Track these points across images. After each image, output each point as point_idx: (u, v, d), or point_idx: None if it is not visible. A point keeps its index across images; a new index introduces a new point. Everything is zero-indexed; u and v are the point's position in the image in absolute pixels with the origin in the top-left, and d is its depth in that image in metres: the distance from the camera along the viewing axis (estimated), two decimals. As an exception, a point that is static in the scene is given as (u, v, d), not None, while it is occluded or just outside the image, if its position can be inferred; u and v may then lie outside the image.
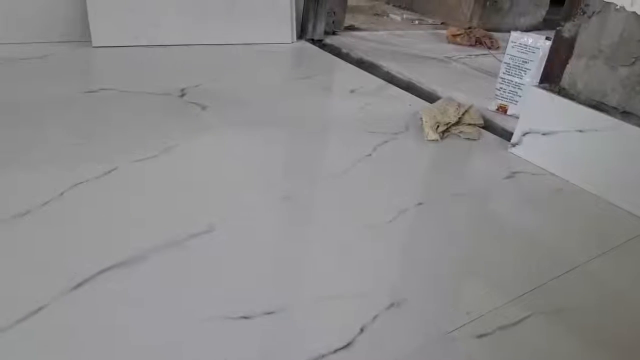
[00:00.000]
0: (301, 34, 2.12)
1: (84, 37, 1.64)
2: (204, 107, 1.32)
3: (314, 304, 0.73)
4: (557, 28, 1.26)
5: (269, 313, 0.70)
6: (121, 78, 1.44)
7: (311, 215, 0.96)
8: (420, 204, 1.04)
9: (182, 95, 1.37)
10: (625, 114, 1.14)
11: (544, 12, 3.14)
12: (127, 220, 0.86)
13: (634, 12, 1.10)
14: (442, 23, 2.92)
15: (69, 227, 0.82)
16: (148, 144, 1.10)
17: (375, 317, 0.72)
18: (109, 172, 0.98)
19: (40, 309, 0.66)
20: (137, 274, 0.74)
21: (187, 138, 1.15)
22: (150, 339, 0.64)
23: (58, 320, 0.65)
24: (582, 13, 1.20)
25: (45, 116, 1.16)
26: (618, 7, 1.12)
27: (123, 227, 0.84)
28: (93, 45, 1.63)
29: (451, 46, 2.39)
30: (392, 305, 0.75)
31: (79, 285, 0.70)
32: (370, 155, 1.21)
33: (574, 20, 1.22)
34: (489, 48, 2.40)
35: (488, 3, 2.82)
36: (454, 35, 2.44)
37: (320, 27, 2.15)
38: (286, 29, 2.03)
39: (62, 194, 0.89)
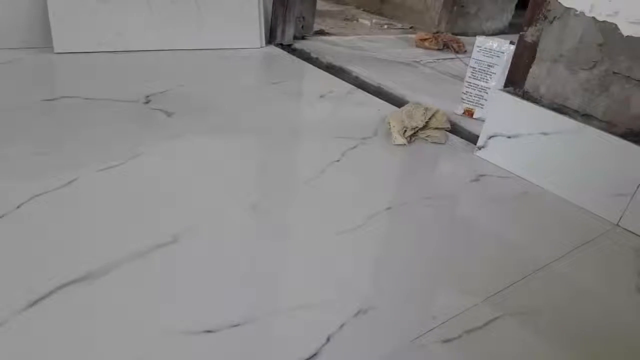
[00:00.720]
0: (270, 38, 2.11)
1: (46, 43, 1.60)
2: (169, 114, 1.30)
3: (281, 314, 0.73)
4: (521, 33, 1.29)
5: (234, 326, 0.68)
6: (84, 85, 1.40)
7: (279, 223, 0.95)
8: (388, 208, 1.04)
9: (147, 102, 1.35)
10: (586, 117, 1.17)
11: (509, 17, 3.20)
12: (88, 232, 0.83)
13: (593, 17, 1.12)
14: (410, 27, 2.95)
15: (27, 241, 0.79)
16: (111, 153, 1.07)
17: (342, 326, 0.71)
18: (70, 182, 0.95)
19: (-6, 327, 0.63)
20: (98, 287, 0.72)
21: (152, 146, 1.13)
22: (111, 355, 0.62)
23: (17, 336, 0.62)
24: (543, 18, 1.23)
25: (2, 125, 1.12)
26: (578, 12, 1.15)
27: (84, 239, 0.82)
28: (55, 51, 1.58)
29: (419, 50, 2.41)
30: (359, 312, 0.74)
31: (39, 300, 0.68)
32: (339, 160, 1.21)
33: (536, 25, 1.25)
34: (456, 52, 2.43)
35: (455, 8, 2.86)
36: (422, 40, 2.46)
37: (290, 32, 2.14)
38: (255, 34, 2.02)
39: (18, 206, 0.86)
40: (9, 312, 0.65)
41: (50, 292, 0.70)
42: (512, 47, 1.40)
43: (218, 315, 0.70)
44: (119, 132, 1.17)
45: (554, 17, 1.20)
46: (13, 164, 0.99)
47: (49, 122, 1.18)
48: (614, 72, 1.11)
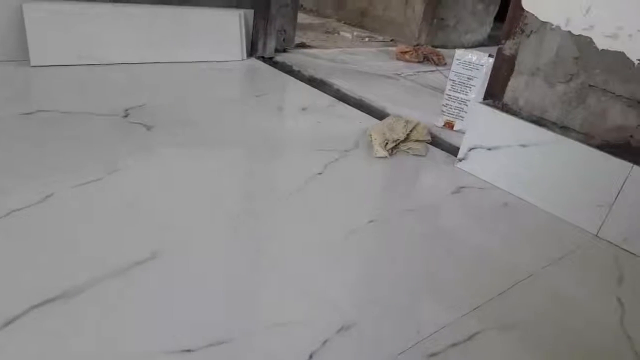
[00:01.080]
0: (251, 51, 2.11)
1: (22, 57, 1.57)
2: (149, 128, 1.28)
3: (262, 332, 0.71)
4: (499, 46, 1.30)
5: (213, 345, 0.67)
6: (61, 99, 1.38)
7: (260, 239, 0.94)
8: (371, 221, 1.04)
9: (126, 116, 1.33)
10: (564, 129, 1.19)
11: (488, 29, 3.26)
12: (63, 250, 0.81)
13: (569, 32, 1.14)
14: (391, 40, 2.98)
15: (1, 258, 0.77)
16: (89, 168, 1.05)
17: (324, 343, 0.70)
18: (45, 198, 0.93)
19: (-38, 352, 0.61)
20: (74, 306, 0.70)
21: (130, 160, 1.11)
22: (85, 379, 0.60)
23: (-17, 363, 0.60)
24: (520, 32, 1.25)
25: (-24, 140, 1.10)
26: (554, 26, 1.17)
27: (59, 257, 0.79)
28: (32, 64, 1.56)
29: (400, 63, 2.43)
30: (341, 328, 0.74)
31: (13, 320, 0.66)
32: (321, 173, 1.20)
33: (513, 39, 1.26)
34: (436, 64, 2.46)
35: (435, 21, 2.90)
36: (403, 53, 2.49)
37: (271, 45, 2.14)
38: (236, 47, 2.02)
39: (-8, 224, 0.84)
40: (-21, 334, 0.63)
41: (25, 312, 0.67)
42: (491, 60, 1.42)
43: (197, 333, 0.69)
44: (96, 147, 1.15)
45: (531, 31, 1.22)
46: (-14, 180, 0.96)
47: (24, 136, 1.15)
48: (590, 85, 1.13)
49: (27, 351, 0.62)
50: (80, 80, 1.55)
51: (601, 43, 1.10)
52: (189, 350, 0.65)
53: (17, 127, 1.19)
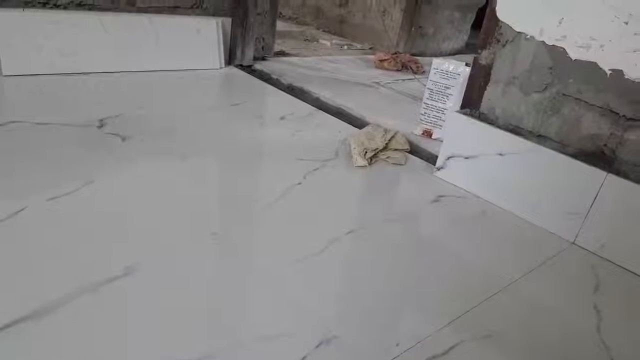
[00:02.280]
0: (230, 59, 2.10)
1: (-7, 66, 1.53)
2: (124, 138, 1.26)
3: (239, 348, 0.70)
4: (475, 55, 1.32)
5: (190, 362, 0.66)
6: (34, 109, 1.35)
7: (238, 251, 0.93)
8: (350, 232, 1.03)
9: (101, 126, 1.31)
10: (540, 137, 1.20)
11: (466, 37, 3.30)
12: (36, 266, 0.79)
13: (543, 42, 1.16)
14: (370, 48, 3.00)
15: (-34, 278, 0.74)
16: (62, 181, 1.03)
17: (304, 358, 0.69)
18: (17, 212, 0.90)
19: None
20: (47, 326, 0.68)
21: (105, 172, 1.09)
22: (55, 403, 0.58)
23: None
24: (496, 41, 1.26)
25: (-57, 153, 1.07)
26: (528, 36, 1.19)
27: (32, 273, 0.77)
28: (3, 74, 1.52)
29: (379, 71, 2.45)
30: (321, 343, 0.73)
31: (-22, 343, 0.64)
32: (300, 183, 1.20)
33: (489, 48, 1.28)
34: (415, 73, 2.48)
35: (413, 29, 2.92)
36: (381, 61, 2.50)
37: (249, 53, 2.13)
38: (214, 55, 2.00)
39: (-42, 241, 0.81)
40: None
41: (-6, 333, 0.65)
42: (468, 69, 1.43)
43: (175, 351, 0.67)
44: (70, 159, 1.13)
45: (506, 41, 1.24)
46: (-46, 194, 0.93)
47: (-6, 148, 1.12)
48: (564, 94, 1.15)
49: (-6, 375, 0.60)
50: (54, 90, 1.52)
51: (574, 53, 1.12)
52: (164, 370, 0.64)
53: (-13, 139, 1.16)
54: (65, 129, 1.26)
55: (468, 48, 3.27)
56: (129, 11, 1.79)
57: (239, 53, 2.10)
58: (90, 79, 1.64)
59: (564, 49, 1.13)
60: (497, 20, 1.24)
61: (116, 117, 1.37)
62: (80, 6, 1.69)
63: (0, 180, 1.00)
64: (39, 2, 1.61)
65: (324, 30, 3.34)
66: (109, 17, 1.72)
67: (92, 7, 1.71)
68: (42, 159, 1.11)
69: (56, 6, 1.64)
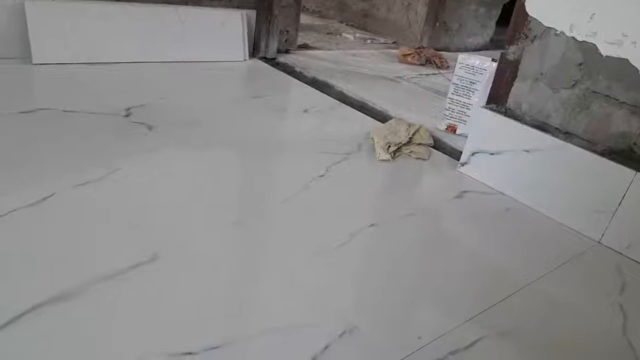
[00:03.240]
0: (254, 52, 2.11)
1: (24, 54, 1.56)
2: (150, 127, 1.28)
3: (263, 335, 0.71)
4: (502, 51, 1.30)
5: (214, 348, 0.66)
6: (62, 97, 1.37)
7: (261, 241, 0.94)
8: (372, 225, 1.03)
9: (128, 115, 1.32)
10: (567, 135, 1.18)
11: (490, 33, 3.26)
12: (62, 251, 0.80)
13: (573, 37, 1.14)
14: (393, 42, 2.98)
15: (2, 258, 0.76)
16: (90, 168, 1.05)
17: (326, 347, 0.70)
18: (46, 198, 0.92)
19: (-40, 353, 0.60)
20: (72, 309, 0.69)
21: (131, 160, 1.11)
22: (84, 382, 0.60)
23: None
24: (524, 37, 1.24)
25: (-24, 138, 1.09)
26: (558, 32, 1.17)
27: (58, 258, 0.79)
28: (33, 62, 1.55)
29: (402, 65, 2.43)
30: (343, 333, 0.73)
31: (13, 320, 0.65)
32: (323, 175, 1.20)
33: (517, 44, 1.26)
34: (439, 67, 2.45)
35: (437, 24, 2.89)
36: (405, 55, 2.48)
37: (273, 46, 2.14)
38: (238, 47, 2.01)
39: (-8, 223, 0.83)
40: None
41: (25, 312, 0.67)
42: (494, 65, 1.41)
43: (198, 336, 0.68)
44: (97, 146, 1.15)
45: (535, 36, 1.22)
46: (-14, 178, 0.96)
47: (25, 134, 1.14)
48: (594, 91, 1.13)
49: (28, 350, 0.62)
50: (82, 78, 1.54)
51: (605, 50, 1.09)
52: (190, 353, 0.65)
53: (17, 125, 1.18)
54: (93, 117, 1.28)
55: (492, 44, 3.22)
56: (155, 2, 1.81)
57: (263, 45, 2.10)
58: (116, 69, 1.67)
59: (594, 45, 1.11)
60: (526, 15, 1.22)
61: (141, 107, 1.39)
62: (109, -4, 1.71)
63: (29, 166, 1.02)
64: (69, -8, 1.64)
65: (347, 24, 3.33)
66: (136, 8, 1.74)
67: (120, -2, 1.73)
68: (70, 146, 1.13)
69: (85, -4, 1.67)
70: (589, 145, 1.14)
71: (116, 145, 1.17)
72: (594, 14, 1.09)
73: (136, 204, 0.96)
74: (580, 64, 1.14)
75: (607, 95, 1.11)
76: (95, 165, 1.06)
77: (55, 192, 0.94)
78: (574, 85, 1.16)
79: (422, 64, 2.47)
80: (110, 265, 0.78)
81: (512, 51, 1.28)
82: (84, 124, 1.24)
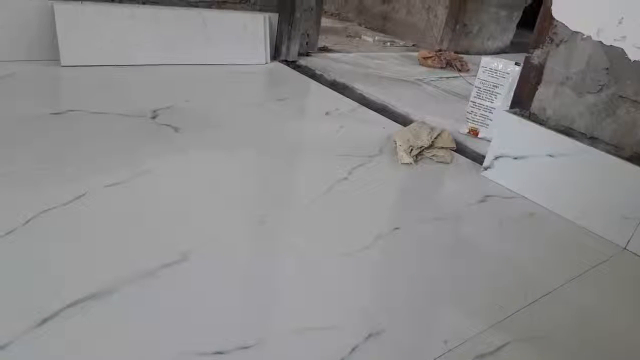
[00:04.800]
0: (275, 55, 2.13)
1: (53, 56, 1.60)
2: (176, 129, 1.30)
3: (291, 336, 0.72)
4: (526, 55, 1.29)
5: (244, 347, 0.68)
6: (90, 99, 1.40)
7: (287, 243, 0.95)
8: (396, 228, 1.04)
9: (154, 117, 1.35)
10: (592, 140, 1.18)
11: (511, 36, 3.24)
12: (95, 249, 0.82)
13: (600, 42, 1.13)
14: (413, 45, 2.97)
15: (33, 257, 0.78)
16: (119, 168, 1.07)
17: (353, 349, 0.71)
18: (78, 197, 0.95)
19: (4, 346, 0.62)
20: (105, 307, 0.71)
21: (159, 162, 1.13)
22: (120, 378, 0.61)
23: (27, 355, 0.62)
24: (550, 41, 1.24)
25: (8, 138, 1.12)
26: (585, 36, 1.16)
27: (91, 256, 0.81)
28: (62, 64, 1.59)
29: (422, 68, 2.43)
30: (370, 336, 0.74)
31: (45, 321, 0.67)
32: (346, 178, 1.21)
33: (542, 48, 1.26)
34: (459, 70, 2.45)
35: (458, 27, 2.88)
36: (425, 58, 2.48)
37: (294, 49, 2.15)
38: (260, 50, 2.03)
39: (27, 221, 0.85)
40: (14, 334, 0.64)
41: (60, 310, 0.69)
42: (518, 68, 1.41)
43: (229, 336, 0.69)
44: (126, 147, 1.17)
45: (561, 40, 1.21)
46: (20, 177, 0.98)
47: (55, 135, 1.17)
48: (621, 96, 1.12)
49: (64, 348, 0.64)
50: (109, 80, 1.57)
51: (633, 54, 1.09)
52: (221, 353, 0.66)
53: (47, 127, 1.21)
54: (121, 119, 1.31)
55: (513, 47, 3.20)
56: (181, 5, 1.83)
57: (284, 49, 2.12)
58: (142, 71, 1.69)
59: (622, 49, 1.10)
60: (551, 19, 1.22)
61: (167, 109, 1.41)
62: (135, 0, 1.74)
63: (61, 166, 1.05)
64: (97, -4, 1.67)
65: (366, 27, 3.33)
66: (162, 11, 1.77)
67: (145, 1, 1.76)
68: (99, 146, 1.15)
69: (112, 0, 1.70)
70: (615, 150, 1.14)
71: (144, 146, 1.19)
72: (623, 17, 1.09)
73: (165, 204, 0.98)
74: (607, 69, 1.13)
75: (635, 101, 1.10)
76: (124, 166, 1.08)
77: (87, 192, 0.97)
78: (600, 90, 1.15)
79: (442, 67, 2.46)
80: (141, 264, 0.80)
81: (536, 55, 1.27)
82: (112, 125, 1.27)
